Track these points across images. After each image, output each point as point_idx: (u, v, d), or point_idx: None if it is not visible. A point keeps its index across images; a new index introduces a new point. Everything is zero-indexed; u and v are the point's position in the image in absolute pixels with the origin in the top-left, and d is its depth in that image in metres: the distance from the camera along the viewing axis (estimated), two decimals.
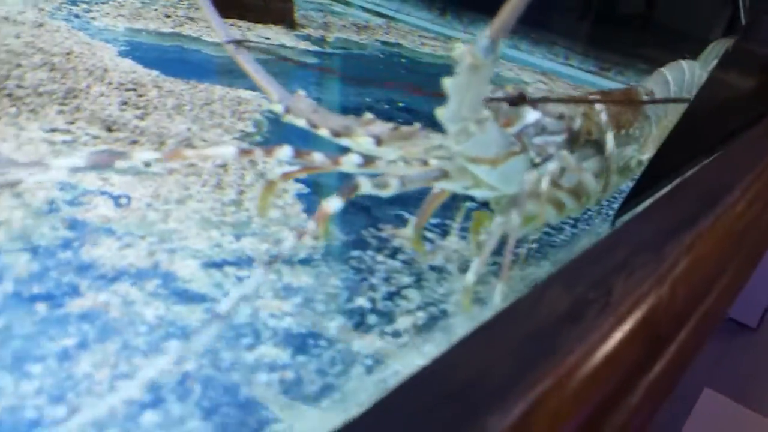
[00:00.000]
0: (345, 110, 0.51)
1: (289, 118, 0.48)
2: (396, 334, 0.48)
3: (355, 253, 0.57)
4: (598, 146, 0.52)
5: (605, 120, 0.51)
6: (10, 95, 0.73)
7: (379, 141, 0.45)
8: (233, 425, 0.37)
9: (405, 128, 0.46)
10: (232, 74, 0.95)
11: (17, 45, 0.90)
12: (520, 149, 0.46)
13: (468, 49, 0.37)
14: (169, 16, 1.22)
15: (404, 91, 1.10)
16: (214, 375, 0.41)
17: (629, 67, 1.59)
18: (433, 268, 0.57)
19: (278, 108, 0.48)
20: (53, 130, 0.68)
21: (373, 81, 1.17)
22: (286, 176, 0.53)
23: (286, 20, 1.32)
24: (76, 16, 1.13)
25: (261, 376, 0.41)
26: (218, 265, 0.52)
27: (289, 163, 0.49)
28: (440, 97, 0.41)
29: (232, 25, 1.25)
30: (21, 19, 1.05)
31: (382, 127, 0.46)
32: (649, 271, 0.34)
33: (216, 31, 0.53)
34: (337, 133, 0.46)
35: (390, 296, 0.52)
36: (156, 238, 0.54)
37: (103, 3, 1.26)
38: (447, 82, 0.39)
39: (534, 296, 0.33)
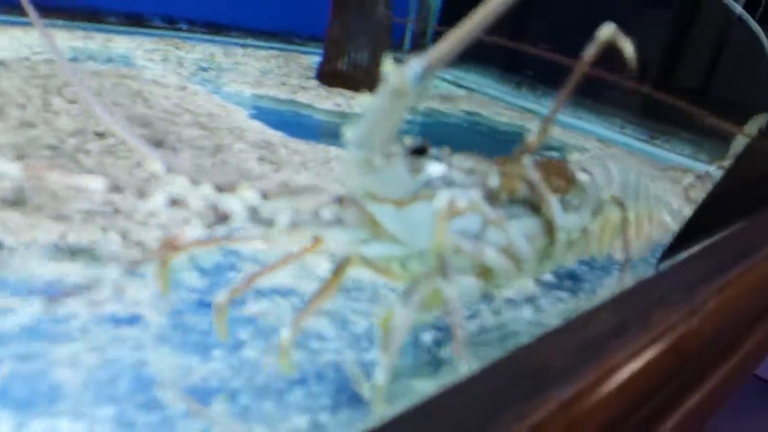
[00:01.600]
0: None
1: (169, 178, 0.43)
2: None
3: None
4: (532, 208, 0.49)
5: (535, 179, 0.48)
6: (173, 148, 0.92)
7: (265, 195, 0.42)
8: None
9: (293, 184, 0.45)
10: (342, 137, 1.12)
11: (168, 105, 1.10)
12: (428, 196, 0.42)
13: (397, 71, 0.34)
14: (284, 84, 1.42)
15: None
16: None
17: (675, 136, 1.71)
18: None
19: (157, 167, 0.43)
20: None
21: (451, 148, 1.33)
22: (233, 294, 0.48)
23: (375, 86, 1.50)
24: (209, 81, 1.34)
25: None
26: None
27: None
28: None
29: (338, 94, 1.43)
30: (166, 83, 1.26)
31: (268, 182, 0.45)
32: (682, 305, 0.46)
33: None
34: (220, 188, 0.42)
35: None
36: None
37: (228, 70, 1.47)
38: (364, 101, 0.36)
39: (587, 316, 0.46)
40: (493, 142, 1.42)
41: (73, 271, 0.57)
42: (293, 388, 0.49)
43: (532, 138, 0.47)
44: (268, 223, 0.40)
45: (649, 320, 0.45)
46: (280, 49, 1.84)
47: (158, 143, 0.88)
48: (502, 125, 1.58)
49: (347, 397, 0.49)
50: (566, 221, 0.50)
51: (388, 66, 0.35)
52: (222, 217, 0.41)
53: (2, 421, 0.41)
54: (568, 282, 0.75)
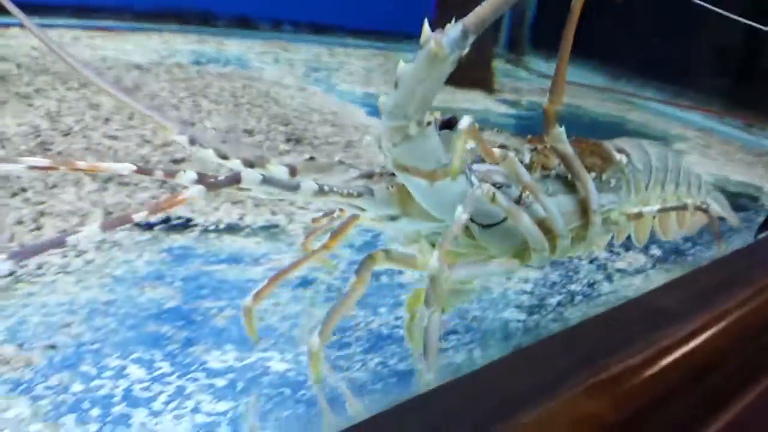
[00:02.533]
0: None
1: (195, 150, 0.41)
2: None
3: None
4: (567, 185, 0.47)
5: (569, 154, 0.46)
6: (310, 144, 0.99)
7: (293, 171, 0.41)
8: None
9: (322, 160, 0.43)
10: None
11: (296, 105, 1.18)
12: (462, 169, 0.40)
13: (435, 37, 0.32)
14: (387, 83, 1.48)
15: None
16: None
17: None
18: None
19: (181, 139, 0.41)
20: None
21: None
22: (258, 297, 0.49)
23: (487, 86, 1.54)
24: (321, 81, 1.41)
25: None
26: None
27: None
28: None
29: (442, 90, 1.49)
30: (286, 83, 1.34)
31: (296, 157, 0.43)
32: (757, 287, 0.47)
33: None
34: (250, 164, 0.41)
35: None
36: None
37: (336, 70, 1.55)
38: (400, 67, 0.34)
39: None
40: (595, 132, 1.44)
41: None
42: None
43: (547, 104, 0.45)
44: (293, 188, 0.37)
45: (752, 277, 0.48)
46: (378, 48, 1.90)
47: (298, 140, 0.95)
48: (602, 116, 1.60)
49: None
50: (602, 200, 0.48)
51: (424, 33, 0.33)
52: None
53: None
54: (674, 255, 0.79)
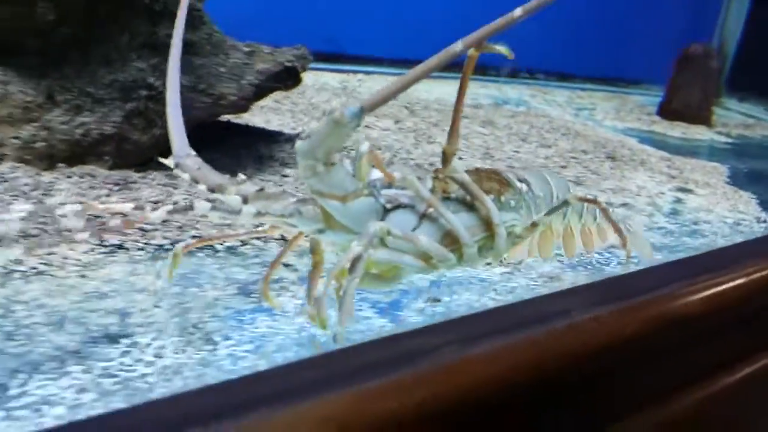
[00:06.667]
0: None
1: (177, 173, 0.51)
2: None
3: None
4: (467, 205, 0.53)
5: (465, 180, 0.52)
6: (622, 161, 1.54)
7: (245, 199, 0.49)
8: None
9: (270, 189, 0.51)
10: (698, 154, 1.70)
11: (592, 134, 1.74)
12: (368, 193, 0.49)
13: (340, 107, 0.41)
14: (639, 119, 2.03)
15: None
16: None
17: None
18: None
19: (170, 162, 0.51)
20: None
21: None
22: (188, 248, 0.57)
23: (708, 122, 2.05)
24: (588, 119, 1.98)
25: None
26: None
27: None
28: None
29: (679, 126, 2.01)
30: (569, 119, 1.91)
31: (250, 188, 0.50)
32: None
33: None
34: (212, 190, 0.50)
35: None
36: None
37: (593, 109, 2.11)
38: (313, 123, 0.39)
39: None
40: None
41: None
42: None
43: (446, 146, 0.52)
44: (237, 212, 0.48)
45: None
46: (612, 91, 2.46)
47: (614, 158, 1.52)
48: None
49: None
50: (504, 217, 0.54)
51: (334, 101, 0.41)
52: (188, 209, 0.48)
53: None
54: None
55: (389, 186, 0.50)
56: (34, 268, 0.69)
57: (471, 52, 0.46)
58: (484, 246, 0.54)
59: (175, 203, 0.60)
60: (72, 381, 0.52)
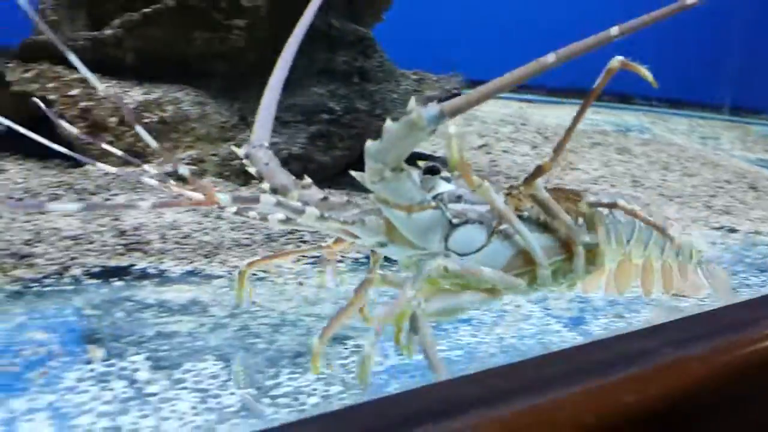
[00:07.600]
0: None
1: (245, 163, 0.51)
2: None
3: None
4: (540, 225, 0.51)
5: (544, 197, 0.49)
6: (757, 190, 1.52)
7: (305, 203, 0.47)
8: None
9: (335, 198, 0.49)
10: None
11: (727, 164, 1.70)
12: (435, 206, 0.47)
13: (418, 108, 0.39)
14: (757, 144, 1.98)
15: None
16: None
17: None
18: None
19: (241, 152, 0.51)
20: None
21: None
22: (252, 265, 0.56)
23: None
24: (717, 148, 1.95)
25: None
26: None
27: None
28: None
29: None
30: (698, 148, 1.89)
31: (315, 194, 0.49)
32: None
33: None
34: (275, 189, 0.48)
35: None
36: None
37: (717, 139, 2.08)
38: (388, 123, 0.40)
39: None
40: None
41: None
42: None
43: (546, 162, 0.48)
44: (300, 212, 0.44)
45: None
46: (732, 121, 2.41)
47: (756, 188, 1.50)
48: None
49: None
50: (582, 237, 0.50)
51: (411, 102, 0.39)
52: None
53: None
54: None
55: (458, 199, 0.48)
56: (254, 274, 0.75)
57: (611, 64, 0.43)
58: (559, 269, 0.51)
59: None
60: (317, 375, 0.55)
